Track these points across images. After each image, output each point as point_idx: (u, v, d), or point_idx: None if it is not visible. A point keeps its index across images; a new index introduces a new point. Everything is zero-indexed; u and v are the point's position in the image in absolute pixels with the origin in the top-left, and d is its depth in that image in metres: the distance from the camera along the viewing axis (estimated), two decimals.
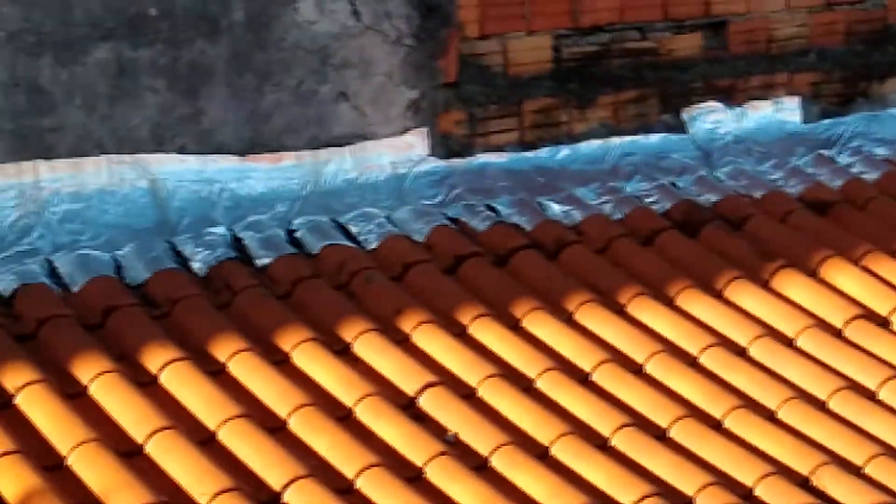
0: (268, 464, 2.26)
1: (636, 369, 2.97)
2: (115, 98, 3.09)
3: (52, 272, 2.93)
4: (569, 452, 2.56)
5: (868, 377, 3.08)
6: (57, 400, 2.38)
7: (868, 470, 2.64)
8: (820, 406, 2.90)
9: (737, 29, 4.42)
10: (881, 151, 4.50)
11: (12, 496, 2.04)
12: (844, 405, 2.92)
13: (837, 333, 3.24)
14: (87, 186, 3.09)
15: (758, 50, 4.49)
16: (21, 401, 2.37)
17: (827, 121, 4.59)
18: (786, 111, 4.53)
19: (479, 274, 3.48)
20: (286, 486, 2.22)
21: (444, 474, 2.38)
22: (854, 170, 4.25)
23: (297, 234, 3.48)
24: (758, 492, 2.49)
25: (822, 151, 4.54)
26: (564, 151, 4.13)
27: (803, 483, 2.65)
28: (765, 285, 3.44)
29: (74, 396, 2.42)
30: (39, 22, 2.93)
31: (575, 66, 4.28)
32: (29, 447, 2.22)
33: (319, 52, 3.61)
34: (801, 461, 2.61)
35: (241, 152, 3.53)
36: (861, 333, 3.29)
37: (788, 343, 3.16)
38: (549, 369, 2.90)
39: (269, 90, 3.55)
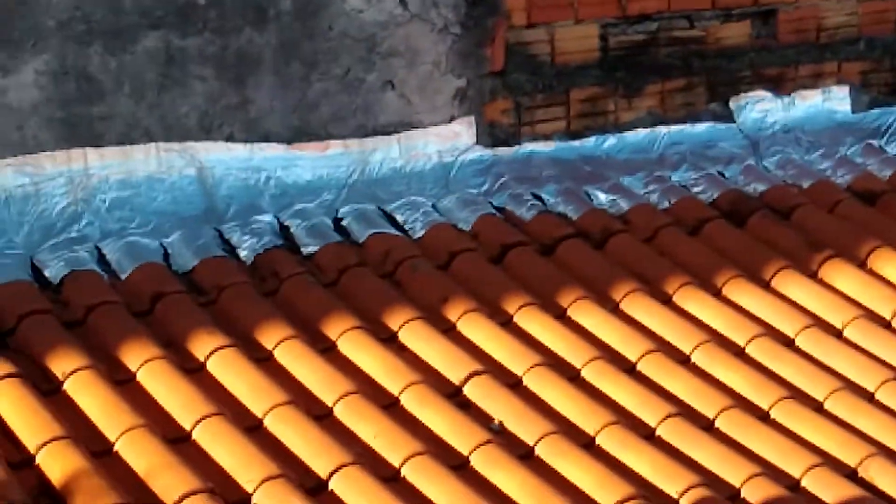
0: (314, 451, 2.26)
1: (683, 359, 2.94)
2: (164, 86, 3.08)
3: (101, 259, 2.92)
4: (614, 442, 2.56)
5: None
6: (105, 386, 2.39)
7: None
8: (868, 397, 2.89)
9: (786, 18, 4.27)
10: None
11: (60, 481, 2.04)
12: (892, 396, 2.85)
13: (886, 324, 3.19)
14: (136, 174, 3.09)
15: (807, 39, 4.33)
16: (69, 387, 2.39)
17: (876, 110, 4.46)
18: (835, 100, 4.43)
19: (524, 263, 3.42)
20: (332, 473, 2.21)
21: (489, 463, 2.37)
22: None
23: (344, 223, 3.44)
24: (804, 483, 2.49)
25: (871, 141, 4.44)
26: (611, 140, 4.08)
27: (851, 474, 2.59)
28: (812, 276, 3.38)
29: (123, 383, 2.44)
30: (89, 10, 2.87)
31: (622, 54, 4.21)
32: (77, 433, 2.23)
33: (367, 41, 3.56)
34: (848, 452, 2.59)
35: (288, 141, 3.47)
36: None
37: (836, 334, 3.13)
38: (595, 359, 2.88)
39: (317, 79, 3.48)
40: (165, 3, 3.06)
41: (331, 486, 2.21)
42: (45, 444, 2.18)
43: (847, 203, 3.90)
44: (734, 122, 4.31)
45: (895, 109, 4.60)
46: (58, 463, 2.12)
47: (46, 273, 2.87)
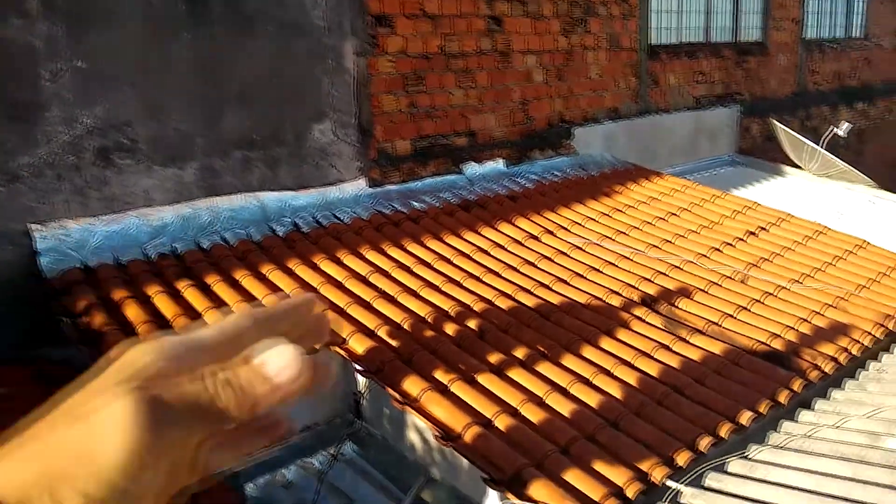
0: None
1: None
2: None
3: None
4: None
5: None
6: None
7: None
8: None
9: (482, 136, 6.81)
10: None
11: None
12: None
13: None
14: None
15: (487, 143, 6.91)
16: None
17: (516, 168, 6.79)
18: (498, 164, 6.70)
19: (387, 231, 4.83)
20: None
21: None
22: None
23: (320, 219, 4.98)
24: None
25: (515, 178, 6.56)
26: (419, 183, 5.72)
27: None
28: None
29: None
30: None
31: (421, 151, 5.78)
32: None
33: (322, 150, 5.13)
34: None
35: (296, 188, 4.99)
36: None
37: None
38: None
39: (308, 167, 5.04)
40: None
41: None
42: None
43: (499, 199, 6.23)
44: (463, 174, 6.05)
45: (521, 167, 6.56)
46: None
47: None
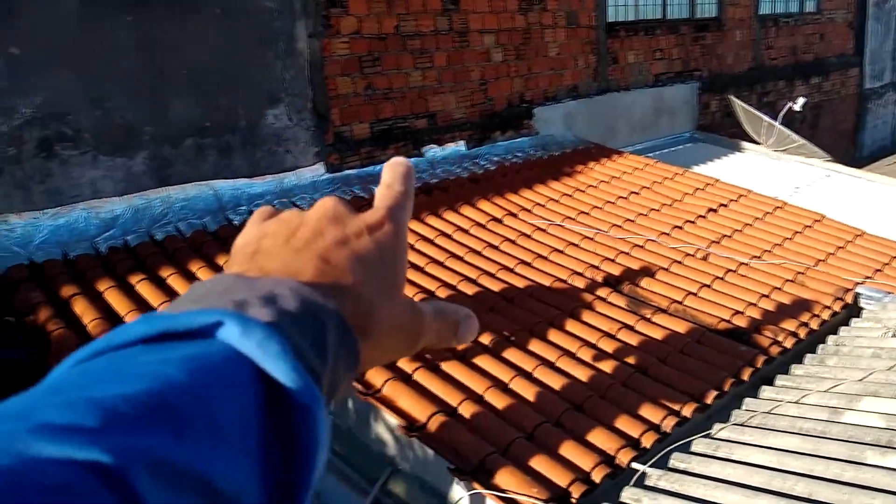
0: None
1: None
2: None
3: None
4: None
5: None
6: None
7: None
8: None
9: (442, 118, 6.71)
10: None
11: None
12: None
13: None
14: None
15: (448, 123, 6.80)
16: None
17: (476, 150, 6.67)
18: (460, 146, 6.38)
19: None
20: None
21: None
22: None
23: (277, 206, 5.33)
24: None
25: (475, 161, 6.59)
26: (379, 167, 4.92)
27: None
28: None
29: None
30: None
31: (379, 134, 5.80)
32: None
33: (277, 136, 5.13)
34: None
35: (250, 175, 4.96)
36: None
37: None
38: None
39: (262, 154, 5.05)
40: None
41: None
42: None
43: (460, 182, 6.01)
44: (424, 157, 6.02)
45: (483, 149, 6.50)
46: None
47: None
